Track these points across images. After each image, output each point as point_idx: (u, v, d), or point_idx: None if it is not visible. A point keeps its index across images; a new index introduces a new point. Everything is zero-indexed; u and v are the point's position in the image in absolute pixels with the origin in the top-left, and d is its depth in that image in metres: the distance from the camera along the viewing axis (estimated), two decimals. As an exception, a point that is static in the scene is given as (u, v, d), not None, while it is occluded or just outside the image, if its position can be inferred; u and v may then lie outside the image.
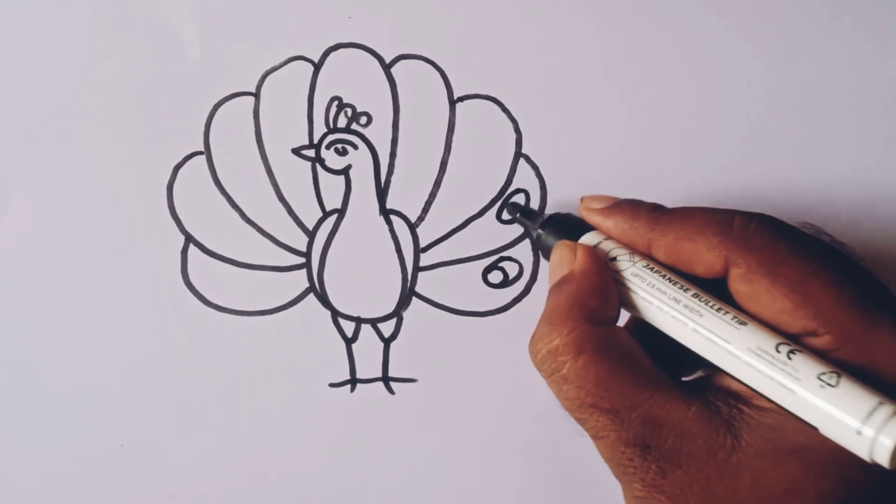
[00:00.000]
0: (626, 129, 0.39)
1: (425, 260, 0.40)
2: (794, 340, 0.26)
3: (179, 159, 0.39)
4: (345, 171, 0.39)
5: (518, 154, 0.39)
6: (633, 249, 0.30)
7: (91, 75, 0.39)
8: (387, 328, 0.40)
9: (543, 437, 0.40)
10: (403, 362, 0.40)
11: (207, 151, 0.39)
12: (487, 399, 0.40)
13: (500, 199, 0.39)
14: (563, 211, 0.35)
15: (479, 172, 0.39)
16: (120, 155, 0.39)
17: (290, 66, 0.39)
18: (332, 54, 0.39)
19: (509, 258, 0.39)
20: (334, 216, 0.40)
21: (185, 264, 0.39)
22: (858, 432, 0.23)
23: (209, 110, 0.39)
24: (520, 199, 0.39)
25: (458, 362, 0.40)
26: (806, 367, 0.24)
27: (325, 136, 0.39)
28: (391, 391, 0.40)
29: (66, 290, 0.39)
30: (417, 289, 0.40)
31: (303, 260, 0.40)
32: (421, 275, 0.40)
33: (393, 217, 0.40)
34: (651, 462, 0.26)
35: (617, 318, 0.30)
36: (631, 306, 0.29)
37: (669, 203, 0.31)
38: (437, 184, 0.39)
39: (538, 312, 0.34)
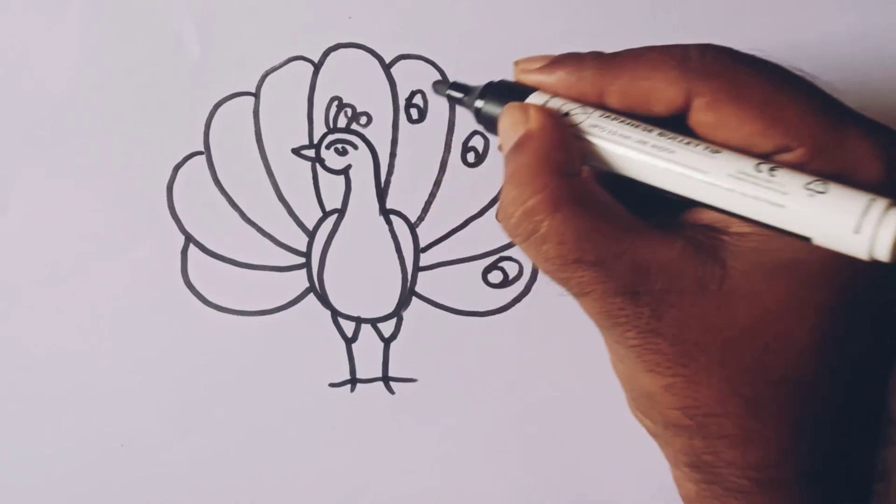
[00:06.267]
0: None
1: (425, 260, 0.40)
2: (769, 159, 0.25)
3: (179, 159, 0.39)
4: (345, 171, 0.39)
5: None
6: (584, 102, 0.28)
7: (91, 75, 0.39)
8: (387, 328, 0.40)
9: (543, 436, 0.40)
10: (403, 362, 0.40)
11: (207, 151, 0.39)
12: (487, 399, 0.40)
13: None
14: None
15: (479, 172, 0.39)
16: (120, 155, 0.39)
17: (290, 65, 0.39)
18: (332, 54, 0.39)
19: (509, 258, 0.39)
20: (334, 216, 0.40)
21: (185, 264, 0.39)
22: (856, 231, 0.22)
23: (209, 110, 0.39)
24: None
25: (458, 362, 0.40)
26: (791, 181, 0.24)
27: (325, 135, 0.39)
28: (391, 391, 0.40)
29: (66, 290, 0.39)
30: (417, 289, 0.40)
31: (303, 260, 0.40)
32: (421, 275, 0.40)
33: (393, 217, 0.40)
34: (643, 307, 0.26)
35: (581, 173, 0.28)
36: (595, 158, 0.28)
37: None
38: (437, 184, 0.39)
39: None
